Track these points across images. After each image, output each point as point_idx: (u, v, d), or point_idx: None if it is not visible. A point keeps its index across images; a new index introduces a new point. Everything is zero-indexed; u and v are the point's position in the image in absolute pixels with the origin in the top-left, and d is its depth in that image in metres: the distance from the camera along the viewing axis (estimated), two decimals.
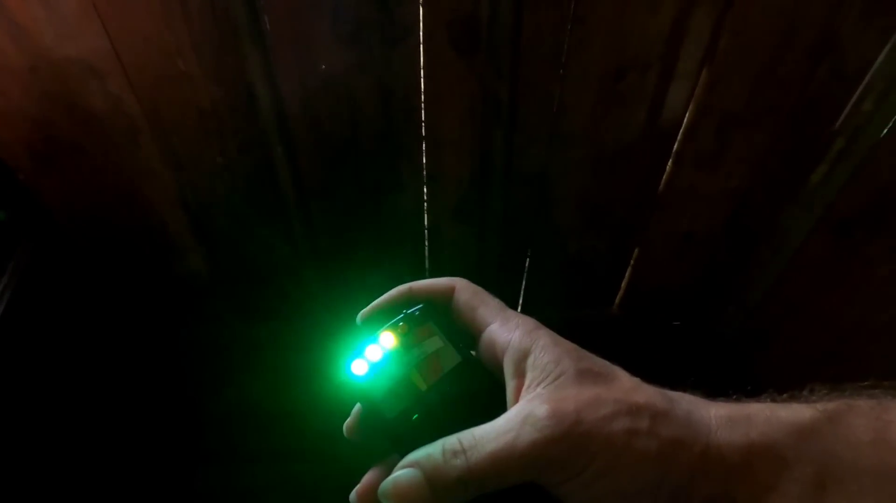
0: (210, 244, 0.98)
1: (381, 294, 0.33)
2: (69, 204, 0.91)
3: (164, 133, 0.82)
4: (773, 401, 0.26)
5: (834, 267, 0.93)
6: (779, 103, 0.80)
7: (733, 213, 0.94)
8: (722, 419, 0.25)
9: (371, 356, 0.29)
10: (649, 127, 0.83)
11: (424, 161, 0.87)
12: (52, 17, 0.70)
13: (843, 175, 0.84)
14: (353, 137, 0.84)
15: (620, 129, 0.83)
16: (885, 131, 0.78)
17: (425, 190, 0.91)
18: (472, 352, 0.31)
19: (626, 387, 0.26)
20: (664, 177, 0.90)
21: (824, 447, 0.23)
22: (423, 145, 0.85)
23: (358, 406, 0.30)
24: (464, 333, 0.31)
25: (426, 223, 0.96)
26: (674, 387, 0.28)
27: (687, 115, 0.82)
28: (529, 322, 0.29)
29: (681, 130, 0.84)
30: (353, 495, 0.29)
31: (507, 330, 0.29)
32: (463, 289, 0.32)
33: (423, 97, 0.79)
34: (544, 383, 0.26)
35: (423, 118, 0.82)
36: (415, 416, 0.28)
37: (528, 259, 1.03)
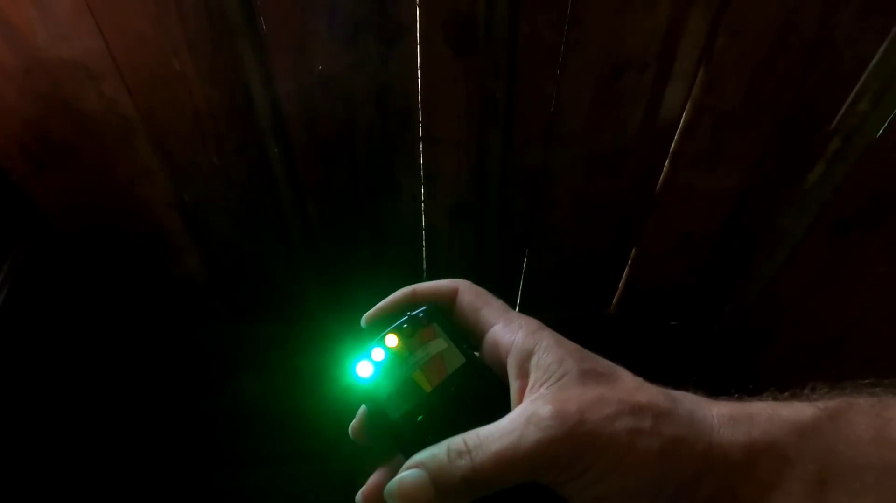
0: (206, 245, 0.97)
1: (380, 295, 0.33)
2: (64, 205, 0.90)
3: (160, 134, 0.82)
4: (775, 399, 0.27)
5: (831, 266, 0.93)
6: (775, 103, 0.80)
7: (731, 212, 0.94)
8: (724, 418, 0.25)
9: (376, 358, 0.30)
10: (646, 127, 0.83)
11: (421, 161, 0.87)
12: (45, 17, 0.69)
13: (839, 174, 0.85)
14: (349, 137, 0.84)
15: (617, 128, 0.84)
16: (882, 131, 0.79)
17: (422, 189, 0.91)
18: (476, 354, 0.31)
19: (630, 387, 0.26)
20: (661, 176, 0.90)
21: (826, 445, 0.24)
22: (420, 145, 0.85)
23: (363, 407, 0.31)
24: (467, 335, 0.32)
25: (423, 223, 0.96)
26: (676, 387, 0.28)
27: (684, 114, 0.82)
28: (532, 323, 0.29)
29: (678, 130, 0.84)
30: (358, 496, 0.29)
31: (510, 331, 0.29)
32: (466, 290, 0.32)
33: (419, 97, 0.79)
34: (548, 383, 0.26)
35: (419, 118, 0.82)
36: (419, 418, 0.28)
37: (525, 259, 1.03)
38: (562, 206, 0.94)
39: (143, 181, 0.87)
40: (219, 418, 1.15)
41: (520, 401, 0.27)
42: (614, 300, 1.11)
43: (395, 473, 0.27)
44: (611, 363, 0.28)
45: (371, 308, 0.33)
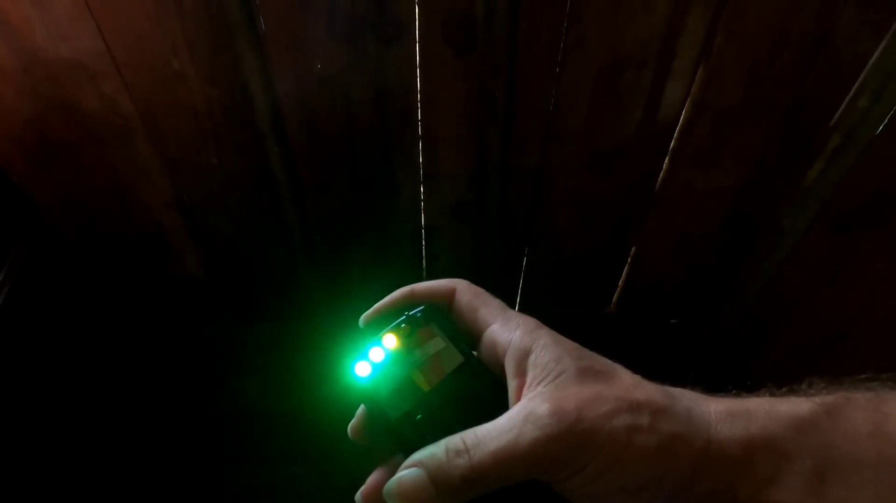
0: (206, 245, 0.97)
1: (380, 294, 0.33)
2: (64, 205, 0.90)
3: (159, 134, 0.82)
4: (772, 395, 0.27)
5: (831, 263, 0.93)
6: (775, 100, 0.80)
7: (730, 210, 0.94)
8: (722, 414, 0.25)
9: (374, 358, 0.30)
10: (646, 125, 0.83)
11: (421, 160, 0.87)
12: (44, 17, 0.69)
13: (839, 172, 0.85)
14: (349, 137, 0.84)
15: (617, 127, 0.84)
16: (881, 128, 0.79)
17: (422, 189, 0.91)
18: (474, 353, 0.31)
19: (627, 385, 0.26)
20: (661, 175, 0.90)
21: (823, 440, 0.24)
22: (420, 144, 0.85)
23: (362, 407, 0.31)
24: (465, 334, 0.32)
25: (423, 222, 0.96)
26: (674, 384, 0.28)
27: (683, 112, 0.82)
28: (530, 321, 0.29)
29: (677, 128, 0.84)
30: (358, 496, 0.29)
31: (507, 330, 0.29)
32: (464, 290, 0.32)
33: (419, 96, 0.79)
34: (545, 382, 0.26)
35: (419, 117, 0.82)
36: (418, 417, 0.28)
37: (525, 257, 1.03)
38: (561, 205, 0.94)
39: (143, 181, 0.87)
40: (219, 418, 1.15)
41: (518, 399, 0.27)
42: (614, 298, 1.11)
43: (394, 473, 0.27)
44: (608, 361, 0.28)
45: (370, 308, 0.33)
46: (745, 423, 0.25)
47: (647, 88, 0.79)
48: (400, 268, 1.02)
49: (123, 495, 1.07)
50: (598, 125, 0.83)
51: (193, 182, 0.88)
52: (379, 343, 0.30)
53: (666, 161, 0.89)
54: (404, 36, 0.74)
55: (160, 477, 1.11)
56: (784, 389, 0.27)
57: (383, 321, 0.31)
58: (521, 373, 0.27)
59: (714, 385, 0.29)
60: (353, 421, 0.31)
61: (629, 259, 1.04)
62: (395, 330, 0.30)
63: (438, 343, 0.30)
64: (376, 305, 0.33)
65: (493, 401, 0.28)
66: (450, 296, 0.32)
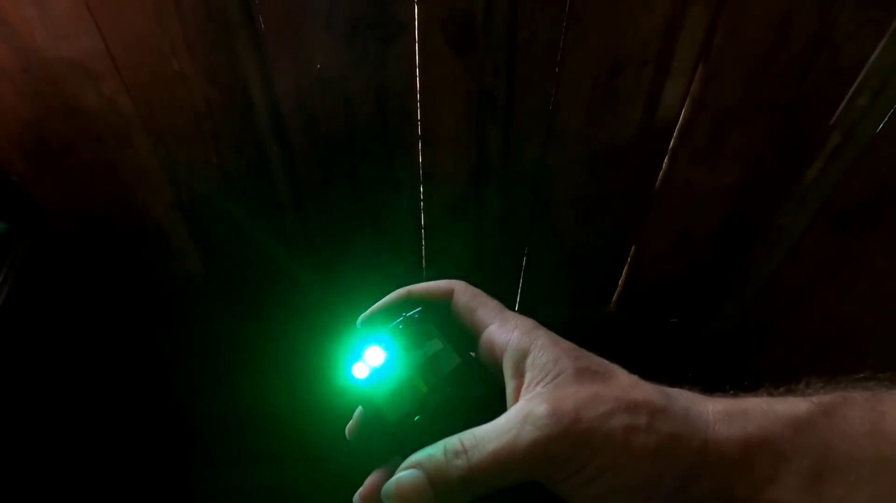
0: (206, 245, 0.97)
1: (379, 294, 0.33)
2: (63, 205, 0.90)
3: (159, 133, 0.82)
4: (770, 395, 0.27)
5: (831, 262, 0.93)
6: (774, 99, 0.80)
7: (730, 209, 0.94)
8: (720, 414, 0.25)
9: (371, 359, 0.30)
10: (645, 124, 0.83)
11: (420, 160, 0.87)
12: (44, 16, 0.69)
13: (839, 170, 0.85)
14: (348, 136, 0.84)
15: (616, 126, 0.83)
16: (881, 126, 0.79)
17: (422, 188, 0.91)
18: (472, 354, 0.31)
19: (625, 385, 0.26)
20: (660, 174, 0.90)
21: (821, 439, 0.24)
22: (420, 144, 0.85)
23: (359, 409, 0.30)
24: (463, 335, 0.32)
25: (423, 222, 0.96)
26: (672, 384, 0.28)
27: (683, 111, 0.82)
28: (528, 322, 0.29)
29: (677, 127, 0.84)
30: (356, 497, 0.29)
31: (505, 330, 0.29)
32: (461, 291, 0.32)
33: (418, 95, 0.79)
34: (543, 382, 0.26)
35: (418, 116, 0.82)
36: (416, 418, 0.28)
37: (525, 257, 1.03)
38: (561, 204, 0.94)
39: (143, 181, 0.87)
40: (217, 418, 1.15)
41: (516, 400, 0.27)
42: (614, 298, 1.11)
43: (392, 474, 0.27)
44: (606, 361, 0.28)
45: (368, 308, 0.33)
46: (743, 423, 0.25)
47: (646, 87, 0.79)
48: (399, 267, 1.02)
49: (119, 494, 1.08)
50: (597, 124, 0.83)
51: (193, 182, 0.88)
52: (376, 345, 0.30)
53: (665, 160, 0.89)
54: (404, 35, 0.73)
55: (157, 475, 1.11)
56: (781, 389, 0.27)
57: (381, 322, 0.32)
58: (519, 373, 0.27)
59: (715, 384, 0.29)
60: (350, 423, 0.31)
61: (629, 258, 1.04)
62: (393, 331, 0.30)
63: (436, 344, 0.30)
64: (374, 306, 0.33)
65: (492, 402, 0.28)
66: (447, 296, 0.32)
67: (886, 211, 0.85)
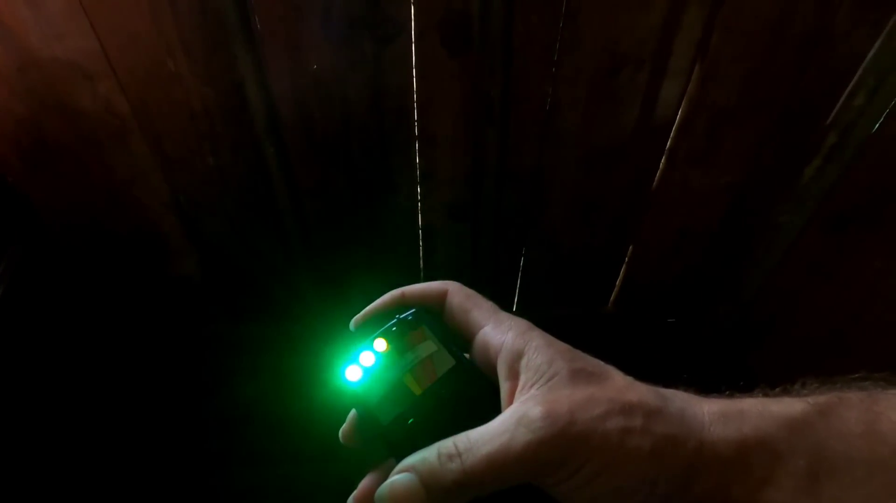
0: (203, 246, 0.97)
1: (377, 295, 0.33)
2: (59, 206, 0.90)
3: (155, 134, 0.81)
4: (766, 395, 0.27)
5: (828, 261, 0.93)
6: (771, 98, 0.80)
7: (727, 209, 0.94)
8: (715, 415, 0.25)
9: (365, 362, 0.30)
10: (642, 124, 0.83)
11: (418, 160, 0.87)
12: (38, 17, 0.69)
13: (835, 170, 0.85)
14: (345, 137, 0.84)
15: (613, 126, 0.83)
16: (877, 125, 0.79)
17: (419, 189, 0.91)
18: (466, 356, 0.31)
19: (620, 387, 0.26)
20: (658, 174, 0.90)
21: (816, 440, 0.24)
22: (416, 144, 0.85)
23: (353, 412, 0.30)
24: (457, 337, 0.31)
25: (420, 222, 0.96)
26: (667, 385, 0.28)
27: (680, 111, 0.82)
28: (522, 323, 0.29)
29: (674, 127, 0.84)
30: (350, 500, 0.29)
31: (500, 332, 0.29)
32: (455, 292, 0.32)
33: (415, 96, 0.79)
34: (538, 384, 0.26)
35: (415, 117, 0.82)
36: (410, 421, 0.28)
37: (522, 257, 1.03)
38: (558, 205, 0.94)
39: (139, 181, 0.87)
40: (215, 419, 1.15)
41: (510, 402, 0.27)
42: (612, 298, 1.11)
43: (386, 477, 0.27)
44: (601, 362, 0.28)
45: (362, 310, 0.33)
46: (739, 424, 0.25)
47: (643, 87, 0.79)
48: (397, 268, 1.01)
49: (117, 495, 1.07)
50: (594, 125, 0.83)
51: (190, 182, 0.88)
52: (370, 347, 0.30)
53: (663, 160, 0.89)
54: (400, 36, 0.73)
55: (154, 477, 1.11)
56: (777, 389, 0.27)
57: (374, 324, 0.31)
58: (514, 375, 0.27)
59: (713, 383, 0.29)
60: (344, 425, 0.31)
61: (626, 258, 1.04)
62: (386, 333, 0.30)
63: (430, 346, 0.30)
64: (367, 308, 0.33)
65: (486, 404, 0.28)
66: (441, 298, 0.32)
67: (883, 210, 0.85)
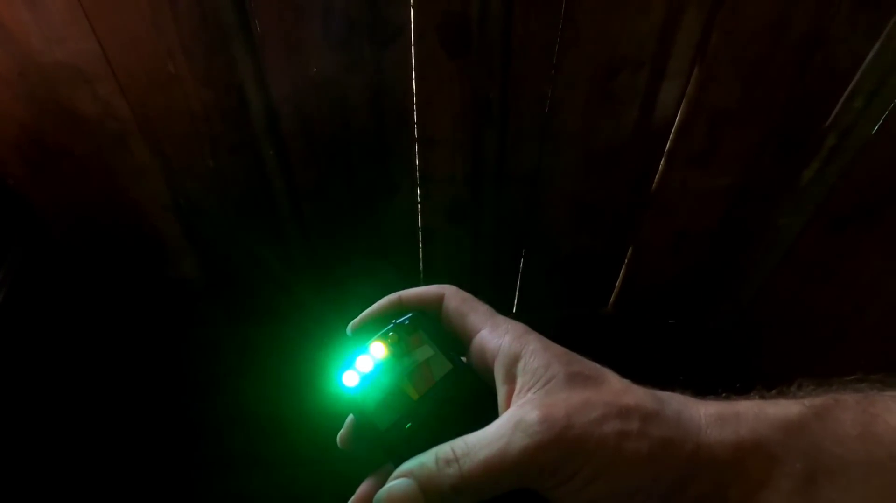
0: (202, 248, 0.97)
1: (376, 297, 0.33)
2: (59, 209, 0.90)
3: (155, 137, 0.81)
4: (762, 398, 0.27)
5: (827, 262, 0.93)
6: (770, 100, 0.80)
7: (726, 210, 0.94)
8: (712, 417, 0.25)
9: (362, 367, 0.29)
10: (641, 126, 0.83)
11: (417, 162, 0.87)
12: (38, 19, 0.69)
13: (835, 171, 0.85)
14: (345, 139, 0.84)
15: (613, 128, 0.83)
16: (876, 128, 0.79)
17: (418, 191, 0.91)
18: (463, 360, 0.31)
19: (616, 390, 0.26)
20: (657, 175, 0.90)
21: (812, 442, 0.24)
22: (416, 146, 0.85)
23: (350, 417, 0.30)
24: (454, 341, 0.31)
25: (420, 224, 0.96)
26: (664, 387, 0.28)
27: (679, 113, 0.82)
28: (519, 327, 0.29)
29: (673, 129, 0.84)
30: None
31: (496, 335, 0.29)
32: (452, 296, 0.32)
33: (414, 98, 0.79)
34: (535, 388, 0.26)
35: (414, 119, 0.82)
36: (407, 426, 0.28)
37: (522, 259, 1.03)
38: (558, 206, 0.94)
39: (139, 183, 0.87)
40: (214, 421, 1.15)
41: (507, 406, 0.27)
42: (611, 299, 1.11)
43: (383, 483, 0.27)
44: (598, 365, 0.28)
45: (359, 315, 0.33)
46: (735, 426, 0.25)
47: (642, 89, 0.79)
48: (397, 270, 1.02)
49: (114, 497, 1.07)
50: (593, 126, 0.83)
51: (189, 185, 0.88)
52: (366, 352, 0.30)
53: (662, 162, 0.89)
54: (399, 38, 0.73)
55: (155, 479, 1.11)
56: (773, 391, 0.27)
57: (371, 329, 0.31)
58: (511, 379, 0.27)
59: (710, 385, 0.29)
60: (341, 431, 0.31)
61: (626, 260, 1.04)
62: (383, 338, 0.30)
63: (427, 350, 0.30)
64: (364, 313, 0.33)
65: (483, 409, 0.28)
66: (438, 302, 0.32)
67: (883, 212, 0.85)
